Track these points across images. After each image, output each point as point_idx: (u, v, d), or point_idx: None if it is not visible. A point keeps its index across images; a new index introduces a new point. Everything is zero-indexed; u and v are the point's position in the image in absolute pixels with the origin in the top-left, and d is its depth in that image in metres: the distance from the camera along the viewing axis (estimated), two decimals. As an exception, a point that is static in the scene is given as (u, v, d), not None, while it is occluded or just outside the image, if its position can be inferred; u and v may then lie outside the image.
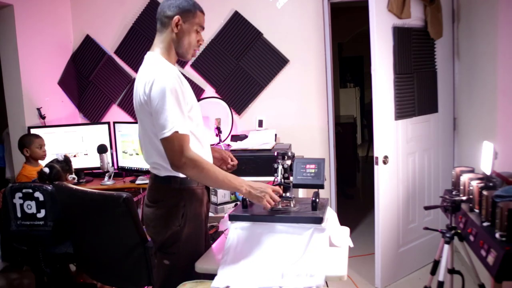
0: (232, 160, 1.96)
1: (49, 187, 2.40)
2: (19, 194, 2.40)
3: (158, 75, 1.55)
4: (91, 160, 3.46)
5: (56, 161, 2.66)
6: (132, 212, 2.03)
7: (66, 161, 2.70)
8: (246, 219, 1.67)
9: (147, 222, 1.75)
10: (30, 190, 2.39)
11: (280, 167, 1.73)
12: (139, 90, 1.61)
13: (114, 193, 2.08)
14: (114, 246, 2.17)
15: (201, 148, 1.70)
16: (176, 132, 1.51)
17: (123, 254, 2.12)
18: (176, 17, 1.65)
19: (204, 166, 1.57)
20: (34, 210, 2.40)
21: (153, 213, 1.70)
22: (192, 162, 1.54)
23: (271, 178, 1.77)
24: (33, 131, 3.28)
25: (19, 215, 2.42)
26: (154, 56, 1.68)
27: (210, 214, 3.32)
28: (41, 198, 2.39)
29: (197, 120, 1.70)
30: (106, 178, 3.32)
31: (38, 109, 3.42)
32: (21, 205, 2.41)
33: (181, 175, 1.65)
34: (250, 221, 1.66)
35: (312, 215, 1.60)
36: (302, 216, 1.61)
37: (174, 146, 1.53)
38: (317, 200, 1.66)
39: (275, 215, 1.64)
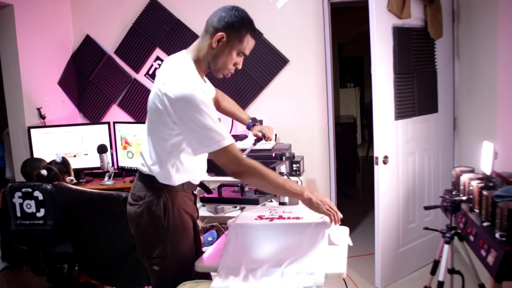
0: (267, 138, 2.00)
1: (48, 186, 2.40)
2: (18, 194, 2.40)
3: (187, 87, 1.45)
4: (91, 160, 3.46)
5: (54, 162, 2.65)
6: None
7: (64, 163, 2.68)
8: (212, 202, 1.89)
9: (130, 222, 1.68)
10: (30, 189, 2.39)
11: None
12: (160, 90, 1.50)
13: (113, 192, 2.08)
14: (113, 246, 2.17)
15: (193, 156, 1.61)
16: (228, 144, 1.48)
17: (122, 254, 2.12)
18: (220, 34, 1.52)
19: (262, 172, 1.53)
20: (33, 209, 2.40)
21: (134, 212, 1.64)
22: (250, 169, 1.52)
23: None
24: (33, 131, 3.28)
25: (18, 214, 2.42)
26: (185, 60, 1.58)
27: (210, 214, 3.33)
28: (41, 197, 2.39)
29: None
30: (106, 178, 3.32)
31: (38, 109, 3.42)
32: (21, 205, 2.41)
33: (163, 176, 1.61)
34: (217, 202, 1.82)
35: (253, 197, 1.85)
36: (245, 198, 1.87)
37: (229, 157, 1.50)
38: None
39: (234, 197, 1.88)
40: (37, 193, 2.38)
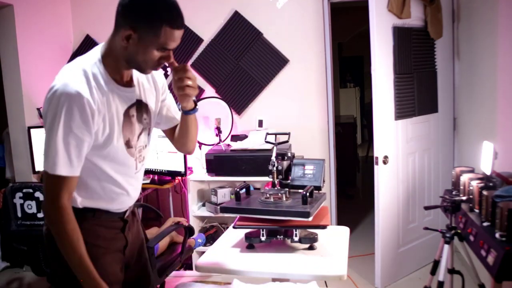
0: None
1: None
2: (19, 194, 2.40)
3: (59, 85, 1.18)
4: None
5: None
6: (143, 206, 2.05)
7: None
8: (238, 211, 1.67)
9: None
10: (31, 190, 2.39)
11: (274, 169, 1.71)
12: None
13: None
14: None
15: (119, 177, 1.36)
16: (58, 174, 1.19)
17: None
18: (127, 31, 1.19)
19: (65, 232, 1.21)
20: (34, 210, 2.40)
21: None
22: (58, 216, 1.21)
23: (270, 178, 1.77)
24: (33, 131, 3.28)
25: (19, 215, 2.42)
26: (90, 56, 1.27)
27: (210, 214, 3.33)
28: (42, 198, 2.39)
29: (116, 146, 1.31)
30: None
31: (38, 109, 3.42)
32: (22, 205, 2.41)
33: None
34: (241, 213, 1.66)
35: (301, 210, 1.59)
36: (291, 211, 1.60)
37: (50, 187, 1.21)
38: (308, 194, 1.64)
39: (265, 208, 1.63)
40: (38, 194, 2.38)
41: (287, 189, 1.72)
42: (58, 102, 1.17)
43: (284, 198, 1.68)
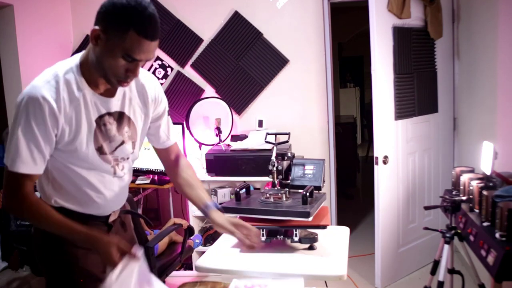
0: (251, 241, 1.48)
1: None
2: None
3: (30, 88, 1.22)
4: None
5: None
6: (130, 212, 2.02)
7: None
8: (238, 212, 1.66)
9: None
10: None
11: (274, 169, 1.71)
12: None
13: None
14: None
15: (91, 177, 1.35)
16: (16, 171, 1.22)
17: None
18: (95, 28, 1.17)
19: (42, 210, 1.26)
20: None
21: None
22: (29, 205, 1.26)
23: (270, 179, 1.77)
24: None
25: None
26: (69, 61, 1.28)
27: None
28: None
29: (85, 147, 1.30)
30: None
31: (38, 109, 3.42)
32: None
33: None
34: (241, 213, 1.66)
35: (301, 210, 1.58)
36: (291, 211, 1.59)
37: (9, 183, 1.25)
38: (308, 194, 1.64)
39: (266, 208, 1.63)
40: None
41: (287, 189, 1.72)
42: (21, 103, 1.21)
43: (284, 198, 1.68)
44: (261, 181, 3.24)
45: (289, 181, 1.77)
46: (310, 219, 1.56)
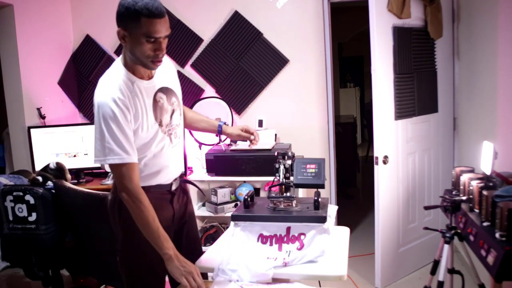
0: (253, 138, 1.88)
1: (40, 190, 2.33)
2: (10, 197, 2.33)
3: (102, 94, 1.48)
4: (91, 160, 3.44)
5: (48, 169, 2.58)
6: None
7: (59, 169, 2.60)
8: (248, 219, 1.66)
9: None
10: (21, 193, 2.32)
11: (282, 167, 1.72)
12: None
13: (100, 193, 2.07)
14: (109, 245, 2.15)
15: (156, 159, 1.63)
16: (123, 162, 1.47)
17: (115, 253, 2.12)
18: (119, 31, 1.49)
19: (142, 206, 1.48)
20: (25, 213, 2.33)
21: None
22: (132, 197, 1.49)
23: (271, 178, 1.77)
24: (33, 130, 3.28)
25: (11, 218, 2.34)
26: (115, 65, 1.59)
27: (210, 214, 3.33)
28: (32, 201, 2.33)
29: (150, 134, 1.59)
30: (107, 178, 3.34)
31: (38, 109, 3.42)
32: (13, 208, 2.34)
33: None
34: (252, 221, 1.65)
35: (315, 214, 1.60)
36: (305, 216, 1.60)
37: (119, 174, 1.49)
38: (319, 199, 1.65)
39: (277, 215, 1.63)
40: (28, 197, 2.31)
41: (294, 195, 1.73)
42: (99, 112, 1.46)
43: (293, 204, 1.69)
44: (261, 181, 3.24)
45: (291, 179, 1.77)
46: (327, 224, 1.57)
